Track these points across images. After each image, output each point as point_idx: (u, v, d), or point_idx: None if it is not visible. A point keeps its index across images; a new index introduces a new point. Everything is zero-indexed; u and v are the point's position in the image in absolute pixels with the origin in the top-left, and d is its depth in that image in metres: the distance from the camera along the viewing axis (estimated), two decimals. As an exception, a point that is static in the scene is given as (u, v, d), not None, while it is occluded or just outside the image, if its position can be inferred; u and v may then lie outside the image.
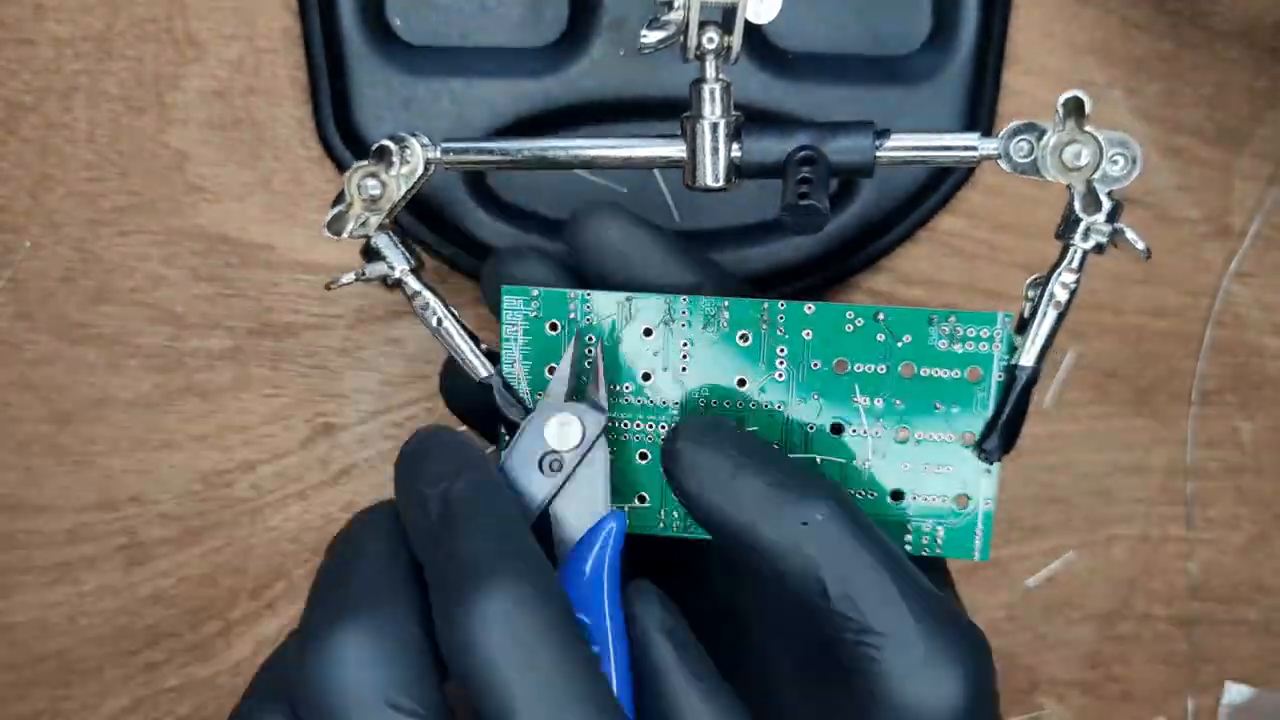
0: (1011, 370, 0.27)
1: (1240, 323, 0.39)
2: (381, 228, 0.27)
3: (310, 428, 0.36)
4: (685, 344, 0.27)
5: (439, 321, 0.28)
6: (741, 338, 0.27)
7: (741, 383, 0.28)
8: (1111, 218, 0.26)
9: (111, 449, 0.36)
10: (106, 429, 0.36)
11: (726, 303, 0.27)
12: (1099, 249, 0.26)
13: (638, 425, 0.28)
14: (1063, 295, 0.26)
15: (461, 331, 0.28)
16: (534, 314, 0.28)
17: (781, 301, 0.27)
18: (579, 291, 0.28)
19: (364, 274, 0.27)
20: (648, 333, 0.27)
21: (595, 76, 0.32)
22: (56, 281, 0.34)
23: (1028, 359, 0.27)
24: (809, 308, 0.27)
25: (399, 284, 0.27)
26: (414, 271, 0.27)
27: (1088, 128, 0.25)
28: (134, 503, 0.36)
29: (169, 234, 0.34)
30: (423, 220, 0.34)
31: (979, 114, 0.34)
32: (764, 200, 0.34)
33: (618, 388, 0.28)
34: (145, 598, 0.37)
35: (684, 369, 0.28)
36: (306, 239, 0.35)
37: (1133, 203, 0.37)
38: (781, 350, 0.27)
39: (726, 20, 0.25)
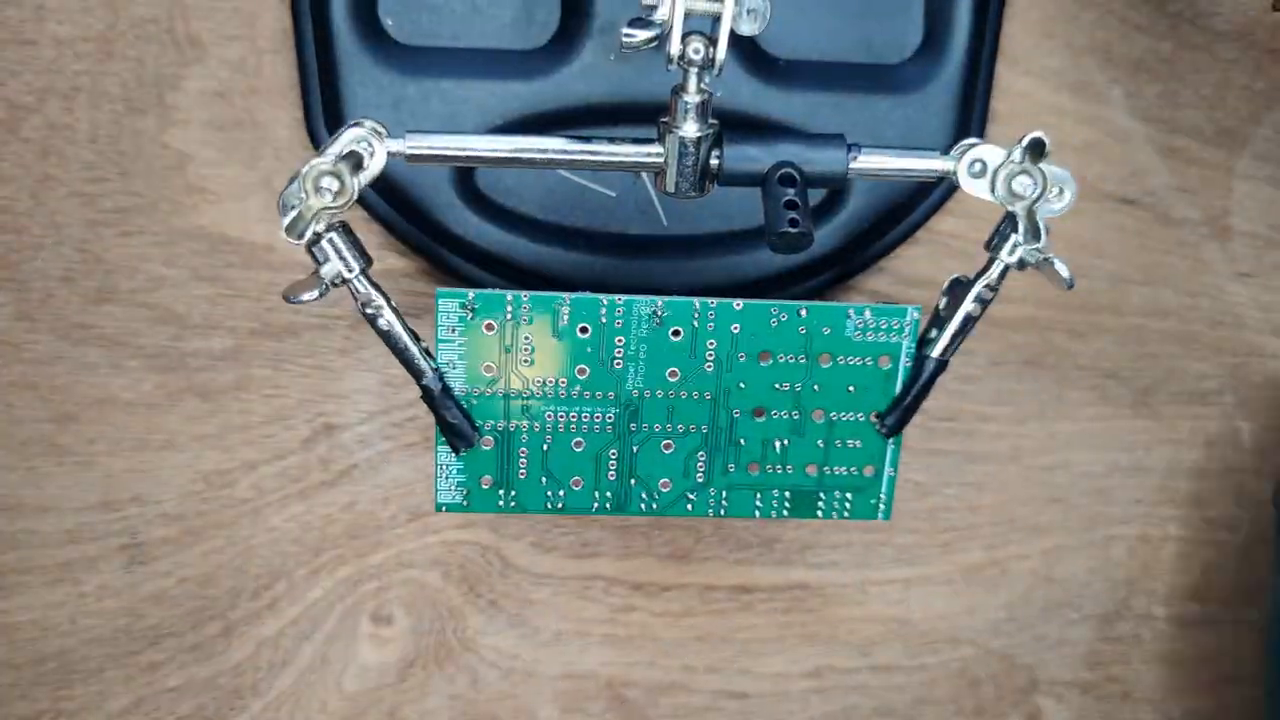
0: (922, 359, 0.30)
1: (1239, 323, 0.39)
2: (335, 225, 0.27)
3: (311, 428, 0.36)
4: (620, 340, 0.29)
5: (388, 324, 0.28)
6: (674, 333, 0.29)
7: (673, 374, 0.30)
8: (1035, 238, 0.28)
9: (113, 449, 0.36)
10: (108, 429, 0.36)
11: (661, 301, 0.29)
12: (1021, 266, 0.28)
13: (573, 416, 0.30)
14: (978, 306, 0.29)
15: (408, 334, 0.28)
16: (469, 315, 0.28)
17: (712, 300, 0.29)
18: (514, 292, 0.29)
19: (326, 289, 0.27)
20: (584, 330, 0.29)
21: (586, 80, 0.32)
22: (57, 282, 0.34)
23: (938, 351, 0.30)
24: (737, 304, 0.29)
25: (345, 283, 0.27)
26: (363, 272, 0.27)
27: (1041, 164, 0.27)
28: (135, 503, 0.36)
29: (170, 234, 0.34)
30: (408, 218, 0.33)
31: (970, 122, 0.34)
32: (754, 205, 0.33)
33: (555, 381, 0.29)
34: (146, 598, 0.37)
35: (618, 364, 0.29)
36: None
37: (1132, 203, 0.37)
38: (711, 344, 0.29)
39: (713, 30, 0.25)
